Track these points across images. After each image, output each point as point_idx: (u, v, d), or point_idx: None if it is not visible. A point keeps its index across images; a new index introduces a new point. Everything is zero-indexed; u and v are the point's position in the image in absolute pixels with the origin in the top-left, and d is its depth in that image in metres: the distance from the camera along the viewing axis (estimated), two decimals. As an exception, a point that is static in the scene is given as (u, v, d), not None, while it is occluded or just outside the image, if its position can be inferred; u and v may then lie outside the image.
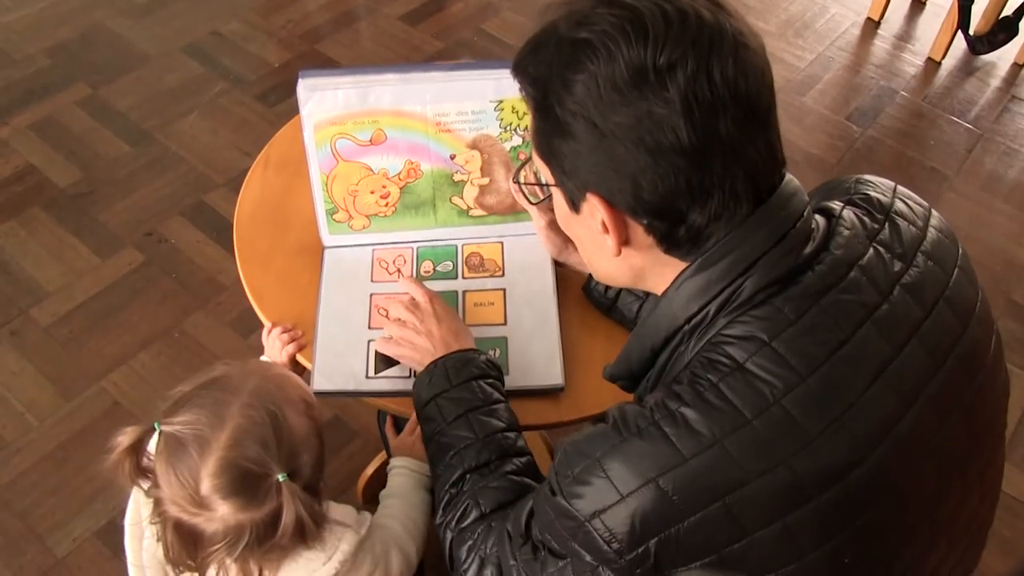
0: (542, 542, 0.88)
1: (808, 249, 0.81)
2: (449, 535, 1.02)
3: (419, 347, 1.13)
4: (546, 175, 0.88)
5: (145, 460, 0.96)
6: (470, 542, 0.99)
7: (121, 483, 0.97)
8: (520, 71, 0.84)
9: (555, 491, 0.81)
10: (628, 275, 0.89)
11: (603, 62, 0.75)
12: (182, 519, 0.94)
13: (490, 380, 1.09)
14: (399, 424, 1.37)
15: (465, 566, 0.99)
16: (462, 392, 1.06)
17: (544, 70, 0.81)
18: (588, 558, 0.80)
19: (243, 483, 0.92)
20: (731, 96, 0.75)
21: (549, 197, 0.94)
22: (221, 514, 0.92)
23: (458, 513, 1.01)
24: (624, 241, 0.84)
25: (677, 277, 0.84)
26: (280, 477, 0.92)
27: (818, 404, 0.75)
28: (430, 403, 1.07)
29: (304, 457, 0.97)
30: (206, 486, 0.91)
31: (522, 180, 1.05)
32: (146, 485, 0.97)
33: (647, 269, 0.87)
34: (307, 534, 0.95)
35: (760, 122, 0.78)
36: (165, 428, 0.94)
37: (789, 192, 0.82)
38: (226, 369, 1.00)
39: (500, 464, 1.03)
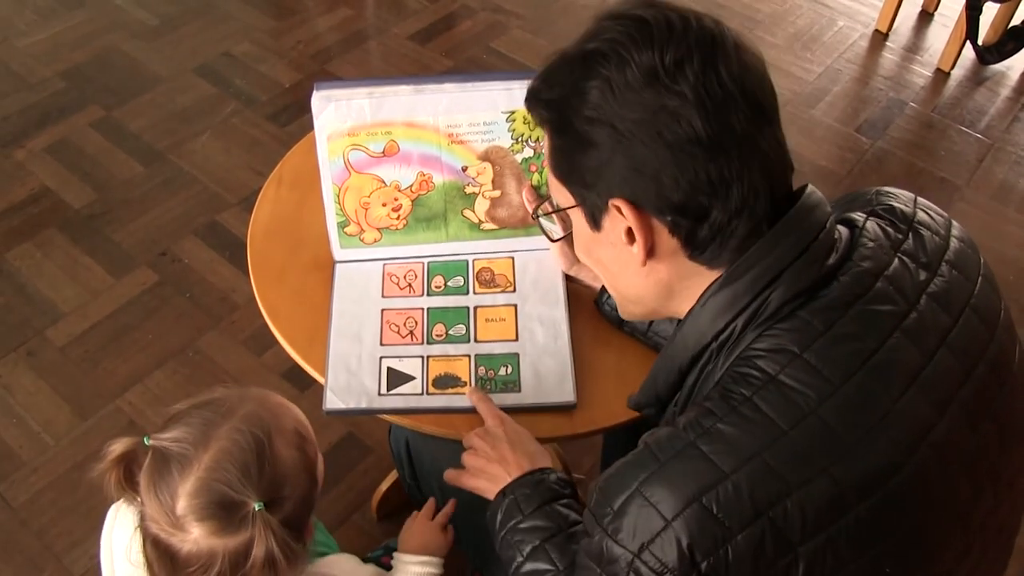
0: None
1: (831, 260, 0.81)
2: None
3: (493, 476, 1.08)
4: (565, 200, 0.89)
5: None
6: None
7: (107, 493, 0.97)
8: (533, 100, 0.87)
9: (594, 533, 0.78)
10: (655, 292, 0.89)
11: (615, 67, 0.78)
12: (159, 537, 0.93)
13: (564, 501, 1.03)
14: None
15: None
16: (535, 520, 1.00)
17: (557, 91, 0.83)
18: None
19: (218, 507, 0.90)
20: (740, 92, 0.78)
21: (571, 233, 0.95)
22: (194, 537, 0.91)
23: None
24: (650, 249, 0.84)
25: (702, 295, 0.84)
26: (256, 506, 0.90)
27: (853, 412, 0.75)
28: (504, 536, 1.01)
29: (287, 490, 0.94)
30: (182, 506, 0.90)
31: (541, 213, 1.05)
32: (130, 498, 0.96)
33: (674, 283, 0.87)
34: (278, 572, 0.91)
35: (767, 118, 0.81)
36: (154, 442, 0.93)
37: (812, 203, 0.83)
38: (225, 392, 1.00)
39: None
